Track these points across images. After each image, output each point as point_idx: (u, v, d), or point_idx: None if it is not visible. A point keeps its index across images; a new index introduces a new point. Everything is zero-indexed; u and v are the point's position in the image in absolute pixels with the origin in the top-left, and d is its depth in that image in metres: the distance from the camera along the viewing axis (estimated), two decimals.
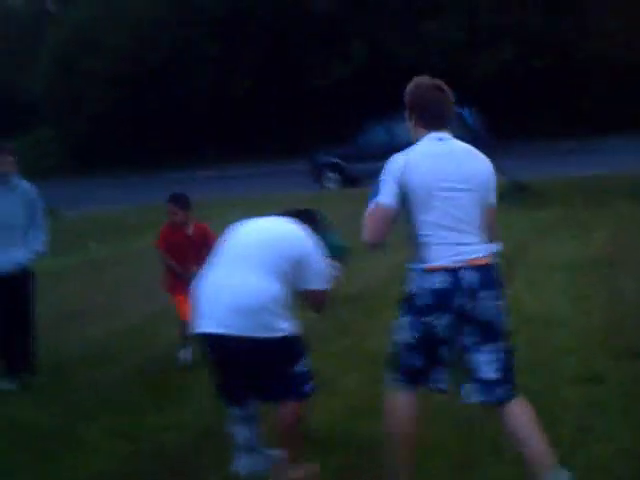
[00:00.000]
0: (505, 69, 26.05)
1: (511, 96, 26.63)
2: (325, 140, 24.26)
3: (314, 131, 28.36)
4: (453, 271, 3.41)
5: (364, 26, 28.63)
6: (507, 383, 3.47)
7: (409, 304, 3.49)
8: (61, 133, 37.85)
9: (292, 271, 3.80)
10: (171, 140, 33.50)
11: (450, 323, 3.42)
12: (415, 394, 3.56)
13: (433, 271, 3.43)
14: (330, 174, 21.28)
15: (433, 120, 3.56)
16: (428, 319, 3.42)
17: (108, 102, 34.63)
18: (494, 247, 3.56)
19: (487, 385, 3.45)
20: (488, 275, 3.46)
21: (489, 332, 3.44)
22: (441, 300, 3.41)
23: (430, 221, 3.47)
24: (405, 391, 3.55)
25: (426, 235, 3.48)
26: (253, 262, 3.79)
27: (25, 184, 6.35)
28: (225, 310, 3.72)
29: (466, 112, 21.05)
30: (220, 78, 31.90)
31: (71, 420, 5.15)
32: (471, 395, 3.49)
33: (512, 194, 13.13)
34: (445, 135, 3.57)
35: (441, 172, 3.48)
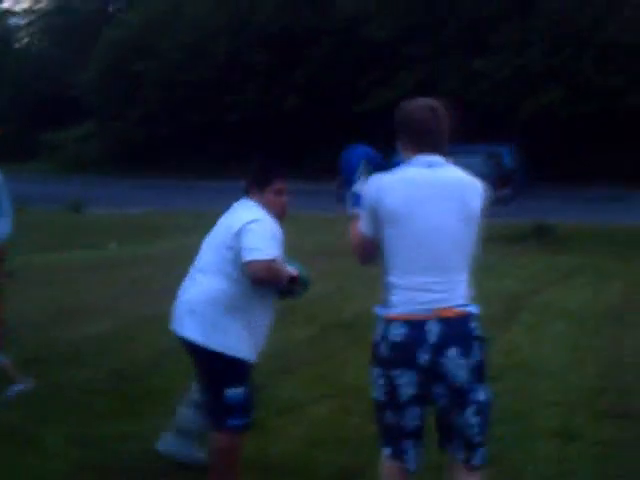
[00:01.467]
0: (551, 111, 25.81)
1: (554, 138, 26.40)
2: None
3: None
4: (417, 323, 2.96)
5: (413, 55, 28.66)
6: (484, 446, 3.09)
7: (373, 354, 3.09)
8: (104, 131, 38.43)
9: (235, 256, 3.61)
10: (211, 148, 33.79)
11: (415, 381, 2.99)
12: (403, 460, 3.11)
13: (394, 320, 3.00)
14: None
15: (420, 141, 3.09)
16: (391, 374, 3.01)
17: (153, 106, 35.16)
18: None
19: (470, 447, 3.07)
20: (460, 329, 2.98)
21: (460, 395, 3.00)
22: (402, 355, 2.98)
23: (398, 257, 3.04)
24: (390, 458, 3.12)
25: (393, 274, 3.05)
26: (202, 261, 3.78)
27: None
28: (179, 310, 3.79)
29: (505, 150, 21.09)
30: (267, 92, 32.22)
31: (31, 422, 5.02)
32: (456, 452, 3.11)
33: (534, 236, 12.94)
34: (436, 160, 3.09)
35: (417, 202, 3.01)
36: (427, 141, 3.09)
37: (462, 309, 3.00)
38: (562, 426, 4.91)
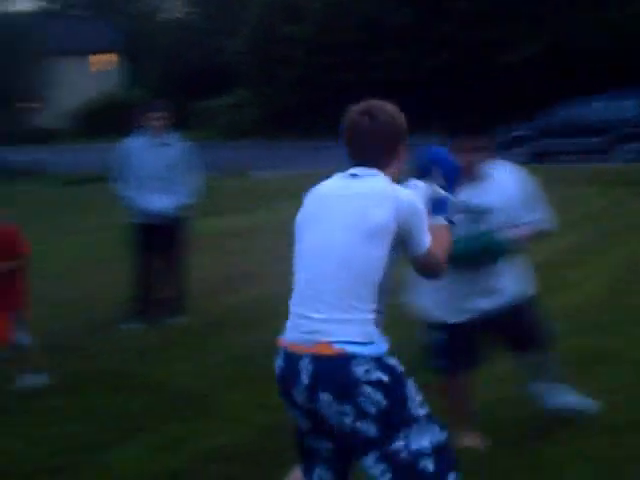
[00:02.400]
0: None
1: None
2: (513, 115, 23.71)
3: (502, 106, 27.69)
4: (294, 356, 2.58)
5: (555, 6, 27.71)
6: None
7: None
8: (258, 97, 39.01)
9: None
10: None
11: (304, 417, 2.66)
12: None
13: (280, 347, 2.68)
14: (517, 149, 20.87)
15: (352, 151, 2.77)
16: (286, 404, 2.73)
17: (305, 69, 35.38)
18: (369, 331, 2.56)
19: None
20: (334, 371, 2.49)
21: (354, 440, 2.55)
22: (282, 390, 2.68)
23: (296, 279, 2.71)
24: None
25: (291, 296, 2.72)
26: None
27: (179, 141, 6.99)
28: None
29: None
30: (413, 50, 31.79)
31: (212, 385, 5.18)
32: None
33: None
34: (362, 171, 2.71)
35: (314, 219, 2.70)
36: (357, 151, 2.76)
37: (342, 347, 2.51)
38: None
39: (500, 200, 3.82)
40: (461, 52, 30.80)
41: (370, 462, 2.52)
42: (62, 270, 9.64)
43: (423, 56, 31.74)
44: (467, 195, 3.71)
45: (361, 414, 2.49)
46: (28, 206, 15.15)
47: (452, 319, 3.90)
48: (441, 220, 2.81)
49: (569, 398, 4.14)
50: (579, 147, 19.46)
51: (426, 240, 2.65)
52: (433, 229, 2.70)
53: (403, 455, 2.50)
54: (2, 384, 5.45)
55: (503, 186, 3.85)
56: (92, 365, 5.84)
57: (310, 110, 35.66)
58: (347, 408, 2.49)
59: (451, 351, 3.94)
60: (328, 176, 2.83)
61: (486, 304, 3.88)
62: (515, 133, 21.19)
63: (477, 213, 3.82)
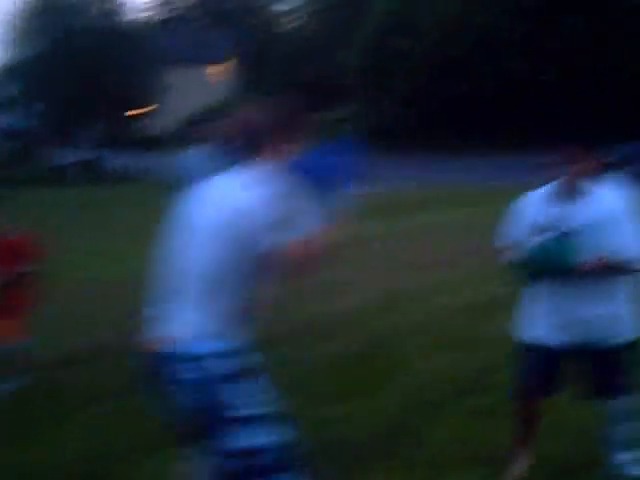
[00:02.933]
0: None
1: None
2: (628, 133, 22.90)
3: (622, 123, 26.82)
4: (147, 350, 2.77)
5: None
6: None
7: None
8: (368, 110, 39.09)
9: None
10: (475, 123, 33.42)
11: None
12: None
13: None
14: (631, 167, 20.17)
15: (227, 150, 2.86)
16: None
17: (416, 83, 35.28)
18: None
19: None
20: (162, 365, 2.67)
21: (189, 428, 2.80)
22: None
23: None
24: None
25: None
26: None
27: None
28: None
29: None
30: (526, 64, 31.23)
31: None
32: None
33: None
34: (232, 172, 2.79)
35: (187, 215, 2.80)
36: (232, 150, 2.79)
37: (176, 342, 2.65)
38: None
39: (592, 221, 3.53)
40: (572, 67, 30.08)
41: (201, 450, 2.72)
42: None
43: (536, 70, 31.12)
44: (558, 212, 3.57)
45: (186, 404, 2.66)
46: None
47: (547, 342, 3.68)
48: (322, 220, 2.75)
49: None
50: None
51: (279, 238, 2.60)
52: (305, 233, 2.66)
53: (225, 450, 2.62)
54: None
55: (600, 207, 3.54)
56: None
57: (420, 125, 35.52)
58: (180, 397, 2.66)
59: (536, 374, 3.75)
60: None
61: (580, 334, 3.61)
62: (629, 150, 20.44)
63: (564, 232, 3.57)
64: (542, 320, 3.67)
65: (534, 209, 3.66)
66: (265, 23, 60.62)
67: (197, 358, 2.60)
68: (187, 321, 2.64)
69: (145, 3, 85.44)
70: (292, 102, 2.88)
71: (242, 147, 2.75)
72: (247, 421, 2.61)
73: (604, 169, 3.59)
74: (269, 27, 59.47)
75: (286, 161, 2.79)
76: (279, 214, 2.61)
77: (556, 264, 3.52)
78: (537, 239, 3.57)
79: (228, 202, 2.64)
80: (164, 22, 62.65)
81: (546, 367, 3.71)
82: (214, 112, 47.10)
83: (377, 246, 11.41)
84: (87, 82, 43.22)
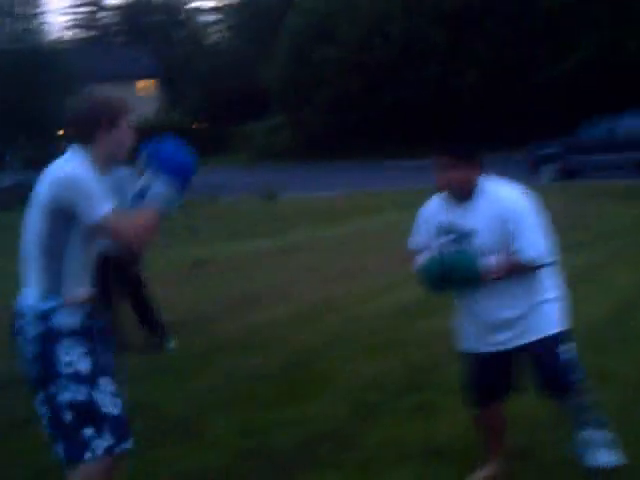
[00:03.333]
0: None
1: None
2: (544, 133, 23.45)
3: (534, 123, 27.47)
4: None
5: (591, 18, 27.45)
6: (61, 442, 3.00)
7: None
8: (292, 120, 39.21)
9: None
10: (396, 129, 33.77)
11: None
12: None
13: None
14: (546, 166, 20.58)
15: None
16: None
17: (338, 91, 35.50)
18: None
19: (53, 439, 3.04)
20: (16, 323, 3.01)
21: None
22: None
23: None
24: None
25: None
26: None
27: None
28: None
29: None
30: (446, 69, 31.78)
31: (200, 410, 5.12)
32: None
33: None
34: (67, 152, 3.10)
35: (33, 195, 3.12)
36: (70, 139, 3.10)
37: (19, 302, 3.03)
38: None
39: (486, 222, 3.50)
40: (492, 71, 30.70)
41: (38, 401, 3.00)
42: None
43: (453, 75, 31.65)
44: (454, 215, 3.56)
45: (25, 357, 2.99)
46: None
47: (477, 349, 3.69)
48: (149, 205, 2.99)
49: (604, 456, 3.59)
50: (610, 164, 19.11)
51: (99, 211, 2.86)
52: (135, 211, 2.98)
53: (53, 402, 2.94)
54: None
55: (494, 207, 3.50)
56: None
57: (344, 132, 35.75)
58: (22, 350, 3.00)
59: (479, 382, 3.75)
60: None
61: (503, 337, 3.59)
62: (546, 150, 20.92)
63: (461, 235, 3.56)
64: (468, 328, 3.69)
65: (436, 213, 3.65)
66: (187, 38, 60.33)
67: (36, 315, 2.95)
68: (30, 283, 2.99)
69: (67, 21, 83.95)
70: (101, 96, 3.15)
71: (75, 136, 3.06)
72: (70, 378, 2.93)
73: (488, 171, 3.56)
74: (191, 42, 59.19)
75: (117, 149, 3.08)
76: (101, 187, 2.91)
77: (460, 275, 3.49)
78: (435, 247, 3.59)
79: (52, 176, 2.95)
80: (88, 40, 61.80)
81: (488, 373, 3.69)
82: (145, 127, 46.67)
83: (303, 256, 11.54)
84: (9, 104, 42.26)
